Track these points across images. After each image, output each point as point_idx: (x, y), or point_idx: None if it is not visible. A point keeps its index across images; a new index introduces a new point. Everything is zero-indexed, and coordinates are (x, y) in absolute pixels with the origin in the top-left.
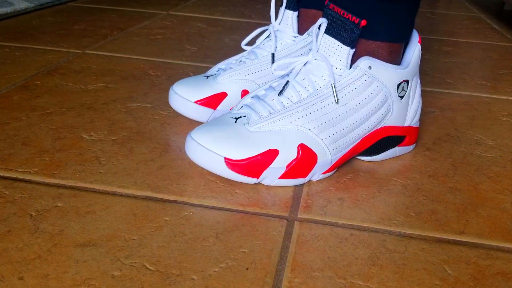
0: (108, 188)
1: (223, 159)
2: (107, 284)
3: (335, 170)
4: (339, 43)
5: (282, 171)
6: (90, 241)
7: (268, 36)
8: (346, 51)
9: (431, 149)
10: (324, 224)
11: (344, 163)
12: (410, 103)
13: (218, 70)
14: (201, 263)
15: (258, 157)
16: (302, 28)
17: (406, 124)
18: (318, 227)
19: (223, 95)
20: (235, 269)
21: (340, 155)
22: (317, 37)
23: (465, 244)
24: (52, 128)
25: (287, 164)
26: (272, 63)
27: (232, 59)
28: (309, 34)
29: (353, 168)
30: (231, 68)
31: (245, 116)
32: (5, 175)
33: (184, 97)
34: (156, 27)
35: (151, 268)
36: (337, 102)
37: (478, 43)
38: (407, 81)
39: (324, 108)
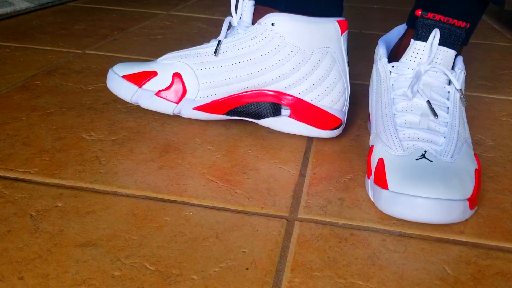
0: (108, 188)
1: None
2: (107, 284)
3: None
4: None
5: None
6: (90, 241)
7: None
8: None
9: None
10: (324, 224)
11: (342, 162)
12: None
13: None
14: (201, 263)
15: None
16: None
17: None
18: (318, 227)
19: (152, 74)
20: (235, 269)
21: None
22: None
23: (465, 244)
24: (52, 128)
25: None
26: (215, 51)
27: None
28: (259, 24)
29: (353, 168)
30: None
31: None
32: (5, 175)
33: (115, 71)
34: (156, 27)
35: (151, 268)
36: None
37: (478, 43)
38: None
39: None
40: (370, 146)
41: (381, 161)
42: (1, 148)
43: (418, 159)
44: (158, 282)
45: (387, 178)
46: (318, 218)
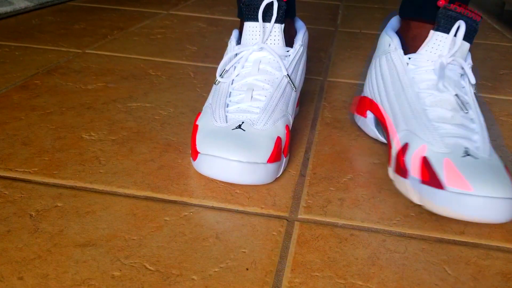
0: (108, 188)
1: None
2: (107, 284)
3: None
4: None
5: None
6: (90, 241)
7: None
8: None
9: None
10: (324, 224)
11: (342, 162)
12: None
13: (242, 122)
14: (201, 263)
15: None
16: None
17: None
18: (318, 227)
19: (279, 141)
20: (235, 269)
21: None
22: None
23: (465, 244)
24: (52, 128)
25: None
26: (294, 87)
27: (240, 103)
28: (301, 45)
29: (353, 168)
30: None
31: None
32: (5, 175)
33: (252, 161)
34: (156, 26)
35: (151, 268)
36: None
37: (478, 43)
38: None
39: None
40: (403, 144)
41: (425, 160)
42: (1, 148)
43: (463, 157)
44: (158, 282)
45: (443, 178)
46: (318, 218)
